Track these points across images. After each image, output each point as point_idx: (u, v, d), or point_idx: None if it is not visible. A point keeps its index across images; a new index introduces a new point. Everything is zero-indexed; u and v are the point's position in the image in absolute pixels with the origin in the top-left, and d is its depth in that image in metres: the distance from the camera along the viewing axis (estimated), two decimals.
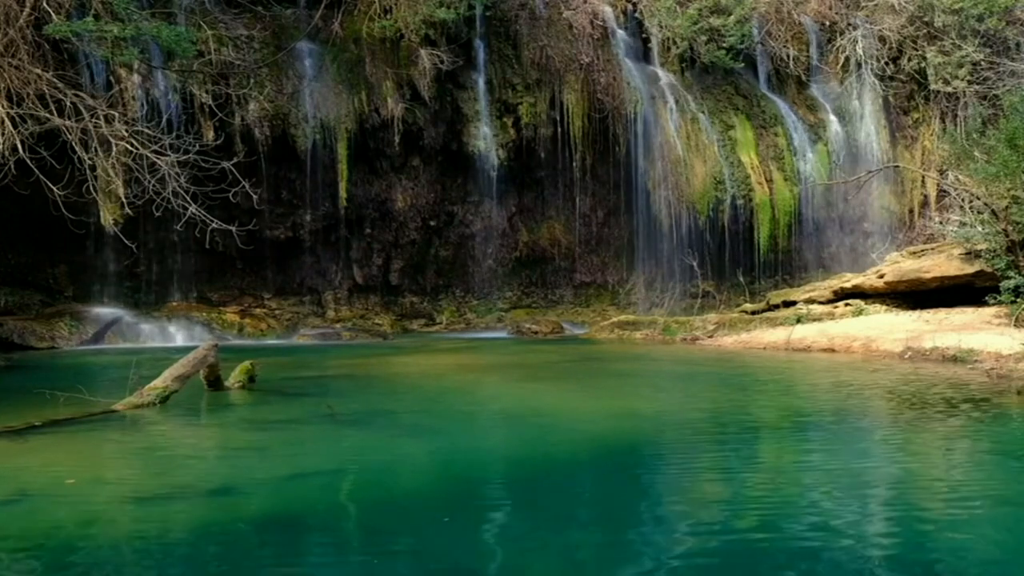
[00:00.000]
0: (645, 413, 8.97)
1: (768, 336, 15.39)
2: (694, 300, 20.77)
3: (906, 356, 12.56)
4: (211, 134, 17.62)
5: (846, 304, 16.33)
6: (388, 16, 19.76)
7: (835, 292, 16.69)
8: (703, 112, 21.69)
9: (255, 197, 15.52)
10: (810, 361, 13.19)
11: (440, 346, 16.97)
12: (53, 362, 14.34)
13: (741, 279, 20.75)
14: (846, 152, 22.06)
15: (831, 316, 15.93)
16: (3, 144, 13.79)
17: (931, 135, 22.38)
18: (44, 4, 14.79)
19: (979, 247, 14.52)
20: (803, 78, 22.93)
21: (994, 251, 14.05)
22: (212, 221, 13.82)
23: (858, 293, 16.36)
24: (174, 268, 19.86)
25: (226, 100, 18.19)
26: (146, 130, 14.32)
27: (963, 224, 16.15)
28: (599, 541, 4.76)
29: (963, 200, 17.16)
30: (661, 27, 21.92)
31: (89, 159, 14.27)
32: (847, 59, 22.59)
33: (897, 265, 16.13)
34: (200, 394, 9.56)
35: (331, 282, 21.19)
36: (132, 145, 14.18)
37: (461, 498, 5.64)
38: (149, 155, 13.95)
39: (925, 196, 22.19)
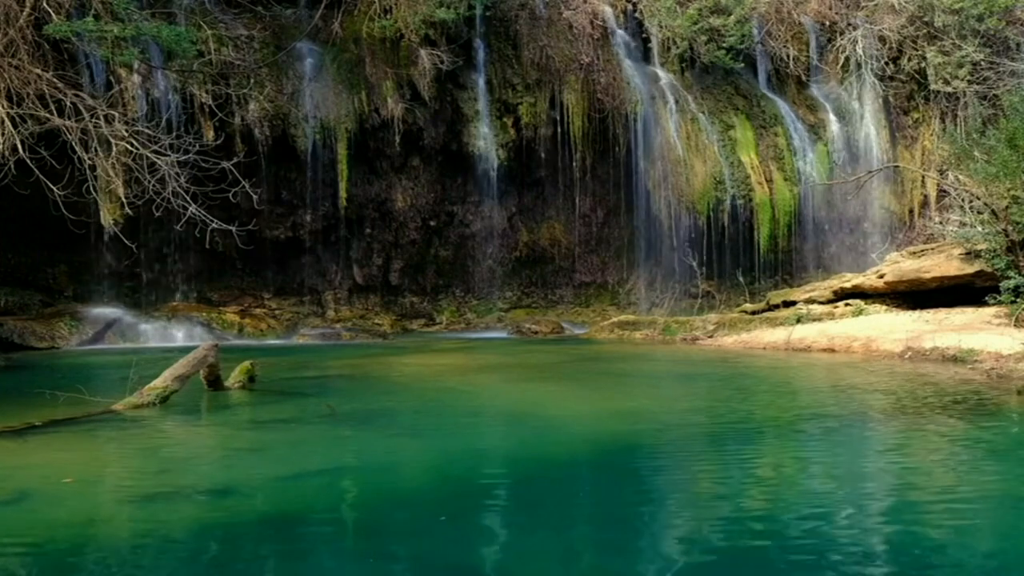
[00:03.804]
0: (645, 413, 8.97)
1: (768, 336, 15.39)
2: (694, 300, 20.76)
3: (906, 356, 12.56)
4: (211, 134, 17.63)
5: (846, 304, 16.32)
6: (388, 16, 19.75)
7: (835, 292, 16.69)
8: (703, 112, 21.69)
9: (255, 197, 15.51)
10: (810, 361, 13.19)
11: (440, 346, 16.97)
12: (53, 362, 14.33)
13: (741, 279, 20.75)
14: (846, 152, 22.05)
15: (831, 316, 15.92)
16: (3, 144, 13.79)
17: (931, 135, 22.37)
18: (44, 4, 14.79)
19: (979, 247, 14.51)
20: (803, 78, 22.92)
21: (994, 251, 14.04)
22: (212, 221, 13.82)
23: (858, 293, 16.35)
24: (174, 268, 19.85)
25: (226, 100, 18.18)
26: (146, 130, 14.31)
27: (963, 224, 16.14)
28: (598, 541, 4.76)
29: (963, 200, 17.15)
30: (661, 27, 21.91)
31: (89, 159, 14.27)
32: (847, 59, 22.58)
33: (897, 265, 16.12)
34: (200, 394, 9.56)
35: (331, 282, 21.19)
36: (132, 145, 14.18)
37: (461, 498, 5.64)
38: (149, 155, 13.95)
39: (925, 196, 22.18)
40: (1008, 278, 13.41)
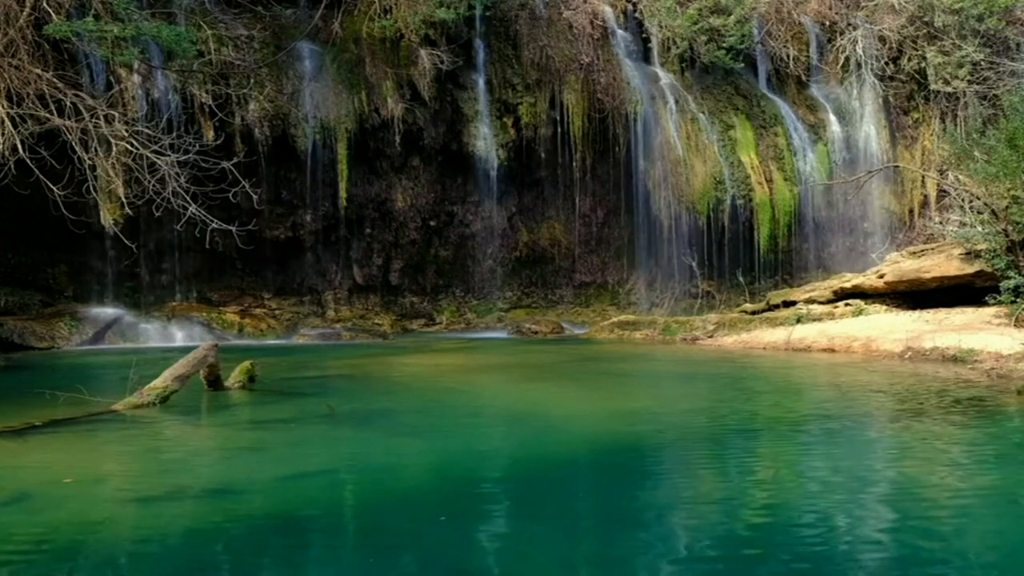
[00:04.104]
0: (645, 413, 8.97)
1: (768, 336, 15.39)
2: (694, 300, 20.76)
3: (906, 356, 12.56)
4: (211, 134, 17.63)
5: (846, 304, 16.33)
6: (388, 16, 19.76)
7: (835, 292, 16.69)
8: (703, 112, 21.69)
9: (255, 197, 15.52)
10: (810, 361, 13.19)
11: (440, 346, 16.97)
12: (53, 362, 14.34)
13: (741, 279, 20.76)
14: (846, 152, 22.06)
15: (831, 316, 15.93)
16: (3, 144, 13.79)
17: (931, 135, 22.38)
18: (44, 4, 14.79)
19: (979, 247, 14.52)
20: (803, 78, 22.92)
21: (994, 251, 14.05)
22: (212, 221, 13.82)
23: (858, 293, 16.36)
24: (174, 268, 19.85)
25: (226, 100, 18.18)
26: (146, 130, 14.31)
27: (963, 224, 16.14)
28: (598, 541, 4.76)
29: (963, 200, 17.15)
30: (661, 27, 21.91)
31: (89, 159, 14.27)
32: (847, 59, 22.59)
33: (897, 265, 16.13)
34: (200, 394, 9.56)
35: (331, 282, 21.19)
36: (132, 145, 14.18)
37: (461, 498, 5.64)
38: (149, 155, 13.94)
39: (925, 196, 22.19)
40: (1008, 278, 13.41)
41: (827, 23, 22.98)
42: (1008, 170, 13.53)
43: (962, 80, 21.40)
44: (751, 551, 4.43)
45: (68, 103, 14.29)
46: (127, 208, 14.73)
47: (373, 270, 21.47)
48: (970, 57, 21.24)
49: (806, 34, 22.85)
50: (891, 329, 14.04)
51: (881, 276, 16.06)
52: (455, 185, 21.60)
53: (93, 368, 13.52)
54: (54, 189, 13.56)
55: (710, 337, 16.31)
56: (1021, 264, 13.65)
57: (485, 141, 20.80)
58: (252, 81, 18.75)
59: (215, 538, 4.75)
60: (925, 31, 22.12)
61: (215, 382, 9.75)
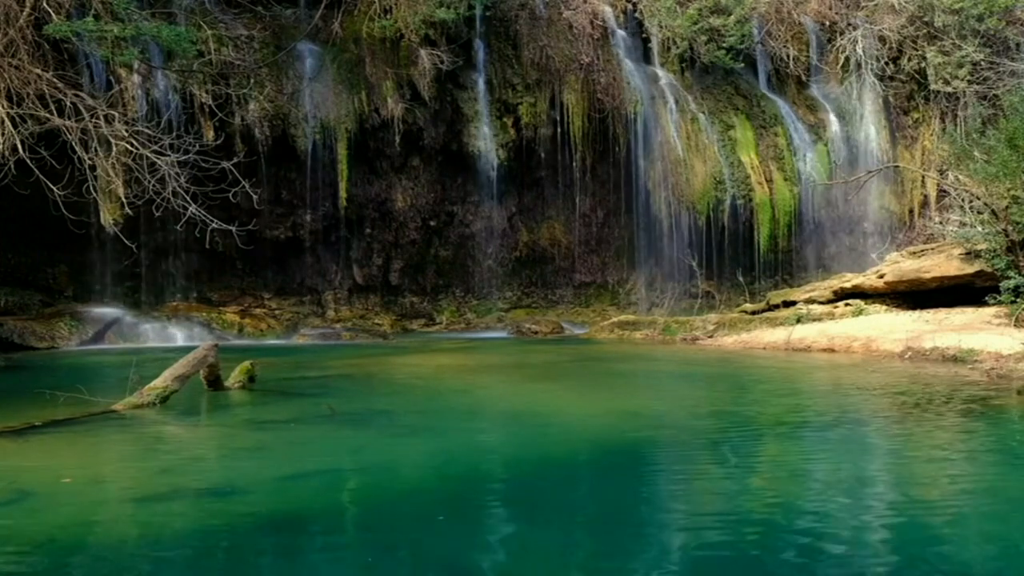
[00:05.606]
0: (645, 413, 8.97)
1: (768, 336, 15.39)
2: (694, 300, 20.76)
3: (906, 356, 12.56)
4: (211, 134, 17.64)
5: (846, 304, 16.33)
6: (388, 16, 19.76)
7: (835, 292, 16.69)
8: (703, 112, 21.69)
9: (255, 197, 15.51)
10: (810, 361, 13.18)
11: (440, 346, 16.97)
12: (53, 362, 14.34)
13: (741, 279, 20.75)
14: (846, 152, 22.06)
15: (831, 316, 15.93)
16: (3, 144, 13.79)
17: (931, 135, 22.38)
18: (44, 4, 14.79)
19: (979, 247, 14.52)
20: (803, 78, 22.92)
21: (994, 251, 14.05)
22: (212, 221, 13.82)
23: (858, 293, 16.36)
24: (174, 268, 19.85)
25: (226, 100, 18.18)
26: (146, 130, 14.31)
27: (963, 224, 16.14)
28: (597, 541, 4.76)
29: (963, 200, 17.15)
30: (661, 27, 21.91)
31: (89, 159, 14.27)
32: (847, 59, 22.58)
33: (897, 265, 16.13)
34: (200, 394, 9.56)
35: (331, 282, 21.19)
36: (132, 145, 14.18)
37: (460, 498, 5.64)
38: (149, 155, 13.94)
39: (925, 196, 22.18)
40: (1008, 278, 13.41)
41: (827, 23, 22.97)
42: (1008, 170, 13.53)
43: (962, 80, 21.40)
44: (752, 552, 4.43)
45: (68, 103, 14.29)
46: (127, 208, 14.73)
47: (373, 270, 21.48)
48: (970, 57, 21.24)
49: (806, 34, 22.85)
50: (891, 329, 14.04)
51: (881, 276, 16.06)
52: (455, 185, 21.60)
53: (93, 368, 13.52)
54: (54, 189, 13.56)
55: (710, 337, 16.30)
56: (1021, 264, 13.65)
57: (485, 141, 20.81)
58: (252, 81, 18.75)
59: (215, 538, 4.74)
60: (925, 31, 22.12)
61: (215, 382, 9.75)
